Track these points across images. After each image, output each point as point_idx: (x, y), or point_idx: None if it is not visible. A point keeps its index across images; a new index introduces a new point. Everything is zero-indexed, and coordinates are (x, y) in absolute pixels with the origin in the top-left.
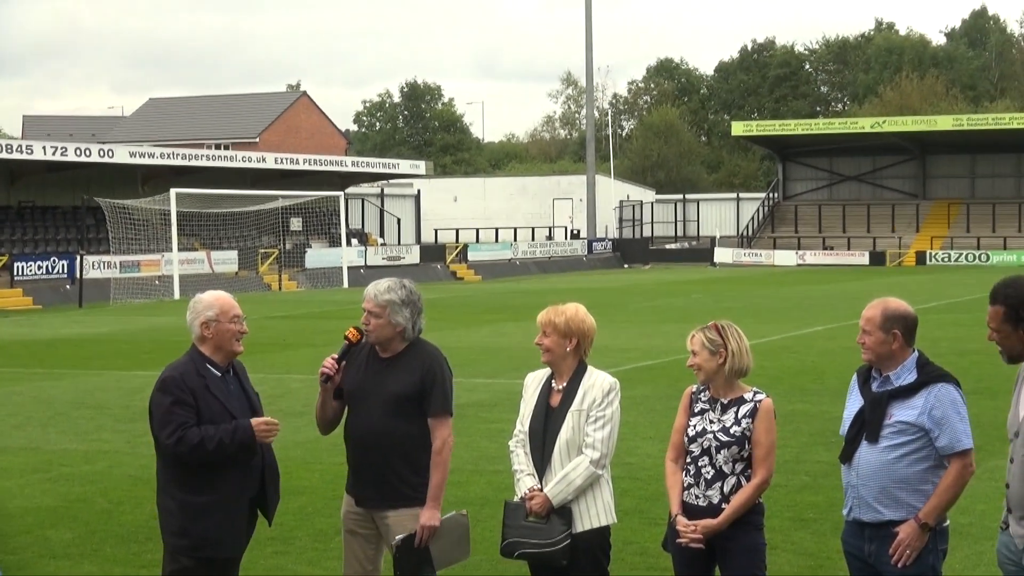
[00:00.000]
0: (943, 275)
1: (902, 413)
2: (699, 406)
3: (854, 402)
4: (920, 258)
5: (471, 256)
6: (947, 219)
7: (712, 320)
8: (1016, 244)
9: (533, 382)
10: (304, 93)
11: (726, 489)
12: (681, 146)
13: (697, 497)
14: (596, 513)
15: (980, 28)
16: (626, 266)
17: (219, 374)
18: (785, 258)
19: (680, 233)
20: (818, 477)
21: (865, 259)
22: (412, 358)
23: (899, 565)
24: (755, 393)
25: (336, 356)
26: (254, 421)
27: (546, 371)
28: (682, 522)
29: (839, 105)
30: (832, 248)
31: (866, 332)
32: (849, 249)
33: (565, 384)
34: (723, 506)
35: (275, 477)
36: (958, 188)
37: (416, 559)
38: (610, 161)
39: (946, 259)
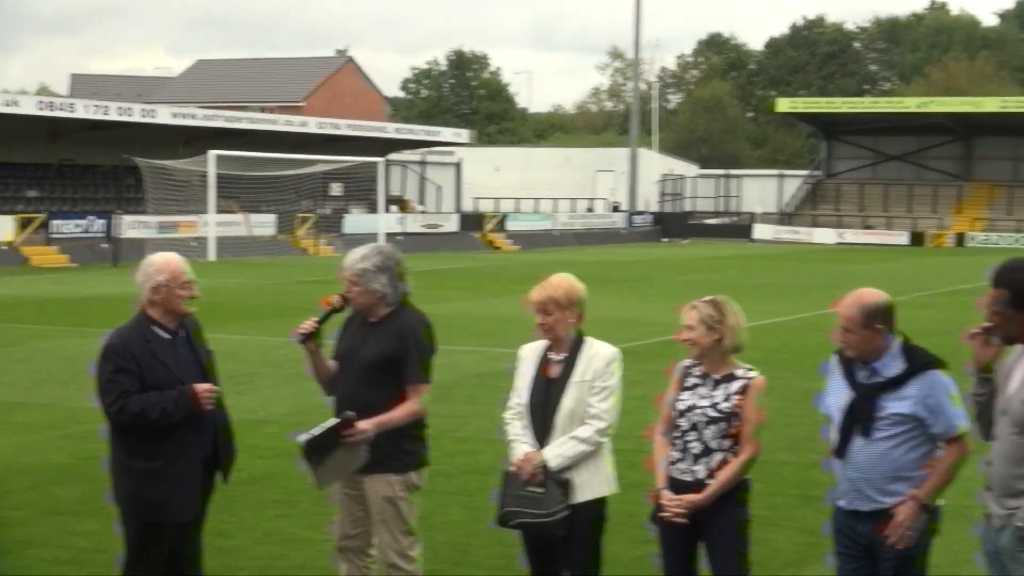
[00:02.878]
0: (982, 257)
1: (896, 405)
2: (691, 381)
3: (837, 388)
4: (959, 239)
5: (510, 226)
6: (989, 201)
7: (710, 295)
8: None
9: (529, 354)
10: (350, 59)
11: (713, 465)
12: (727, 122)
13: (684, 472)
14: (596, 484)
15: None
16: (665, 240)
17: (167, 336)
18: (824, 236)
19: (722, 208)
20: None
21: (905, 239)
22: (391, 325)
23: (897, 545)
24: (747, 370)
25: (317, 319)
26: (196, 387)
27: (542, 342)
28: (666, 496)
29: (887, 84)
30: (872, 227)
31: (848, 331)
32: (889, 229)
33: (565, 355)
34: (709, 482)
35: (229, 438)
36: (1001, 171)
37: (317, 455)
38: (655, 134)
39: (986, 241)
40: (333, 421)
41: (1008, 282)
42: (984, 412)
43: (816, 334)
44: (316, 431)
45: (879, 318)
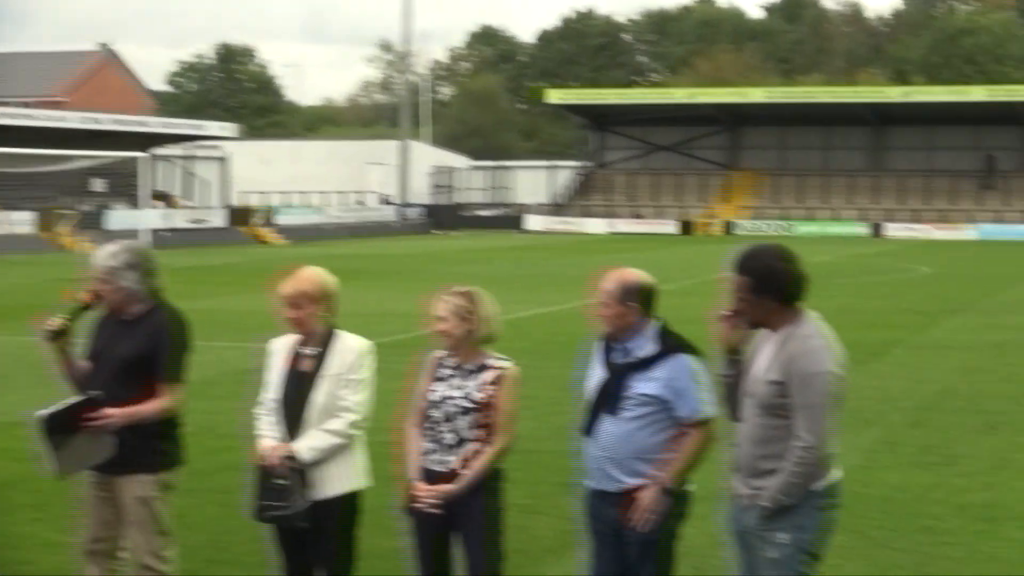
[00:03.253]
0: (748, 244)
1: (643, 386)
2: (444, 372)
3: (595, 372)
4: (728, 227)
5: (279, 220)
6: (755, 189)
7: (462, 286)
8: (820, 215)
9: (280, 348)
10: (112, 52)
11: (466, 455)
12: (498, 114)
13: (437, 463)
14: (348, 477)
15: (797, 2)
16: (436, 232)
17: None
18: (596, 226)
19: (493, 200)
20: None
21: (674, 228)
22: (146, 322)
23: (639, 528)
24: (500, 360)
25: (65, 316)
26: None
27: (293, 336)
28: (420, 487)
29: (656, 76)
30: (642, 216)
31: (604, 305)
32: (659, 218)
33: (316, 349)
34: (462, 472)
35: None
36: (768, 159)
37: (57, 436)
38: (425, 127)
39: (753, 228)
40: (75, 399)
41: (749, 269)
42: (731, 394)
43: (584, 324)
44: (56, 407)
45: (635, 296)
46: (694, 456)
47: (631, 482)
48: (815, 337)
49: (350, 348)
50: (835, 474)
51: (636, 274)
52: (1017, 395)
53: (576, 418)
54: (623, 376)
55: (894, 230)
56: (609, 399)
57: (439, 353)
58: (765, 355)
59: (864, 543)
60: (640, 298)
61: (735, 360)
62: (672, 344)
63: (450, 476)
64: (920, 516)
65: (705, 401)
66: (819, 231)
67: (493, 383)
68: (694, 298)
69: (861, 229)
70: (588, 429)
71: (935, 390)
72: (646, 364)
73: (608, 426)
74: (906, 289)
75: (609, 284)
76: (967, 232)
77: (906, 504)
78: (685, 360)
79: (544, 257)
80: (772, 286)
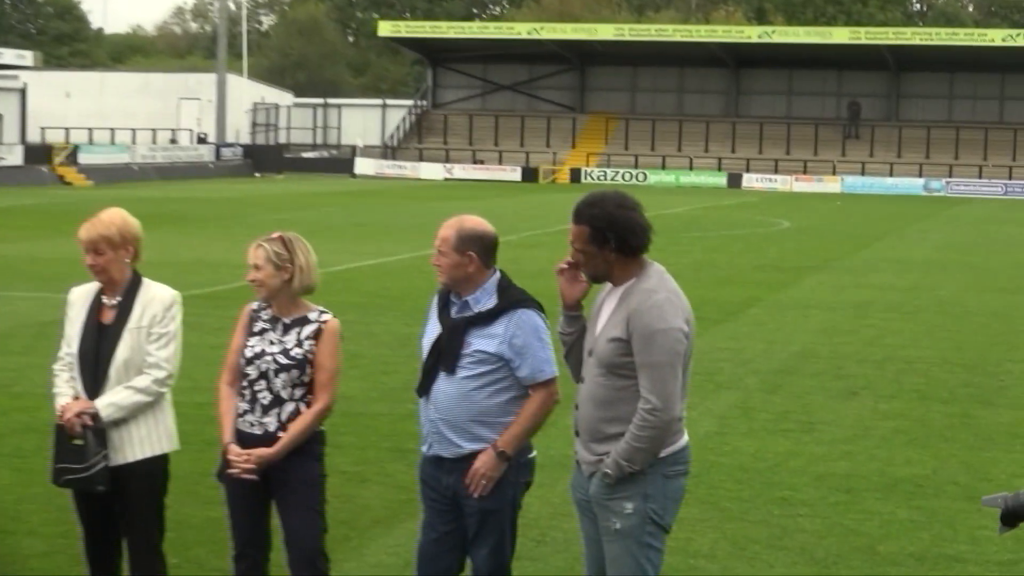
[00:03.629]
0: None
1: (481, 342)
2: (259, 325)
3: (432, 327)
4: (575, 175)
5: (82, 159)
6: (605, 135)
7: (278, 232)
8: (675, 164)
9: (79, 298)
10: None
11: (284, 416)
12: (325, 46)
13: (252, 424)
14: (155, 439)
15: None
16: (257, 175)
17: None
18: (432, 171)
19: (320, 141)
20: None
21: (517, 175)
22: None
23: (476, 495)
24: (320, 313)
25: None
26: None
27: (94, 285)
28: (234, 451)
29: (497, 9)
30: (482, 162)
31: (441, 253)
32: (501, 163)
33: (119, 299)
34: (280, 434)
35: None
36: (618, 102)
37: None
38: (245, 59)
39: (602, 177)
40: None
41: (588, 218)
42: (572, 353)
43: (419, 277)
44: None
45: (474, 245)
46: (536, 419)
47: (469, 447)
48: (660, 291)
49: (156, 299)
50: (684, 439)
51: (476, 221)
52: (880, 359)
53: (410, 378)
54: (460, 331)
55: (753, 181)
56: (445, 356)
57: (254, 305)
58: (607, 311)
59: (717, 514)
60: (479, 247)
61: (575, 316)
62: (513, 298)
63: (267, 439)
64: (776, 486)
65: (548, 360)
66: (673, 181)
67: (312, 338)
68: (537, 250)
69: (718, 179)
70: (423, 390)
71: (794, 352)
72: (485, 319)
73: (444, 386)
74: (765, 244)
75: (446, 231)
76: (830, 185)
77: (761, 473)
78: (527, 315)
79: (376, 204)
80: (613, 236)
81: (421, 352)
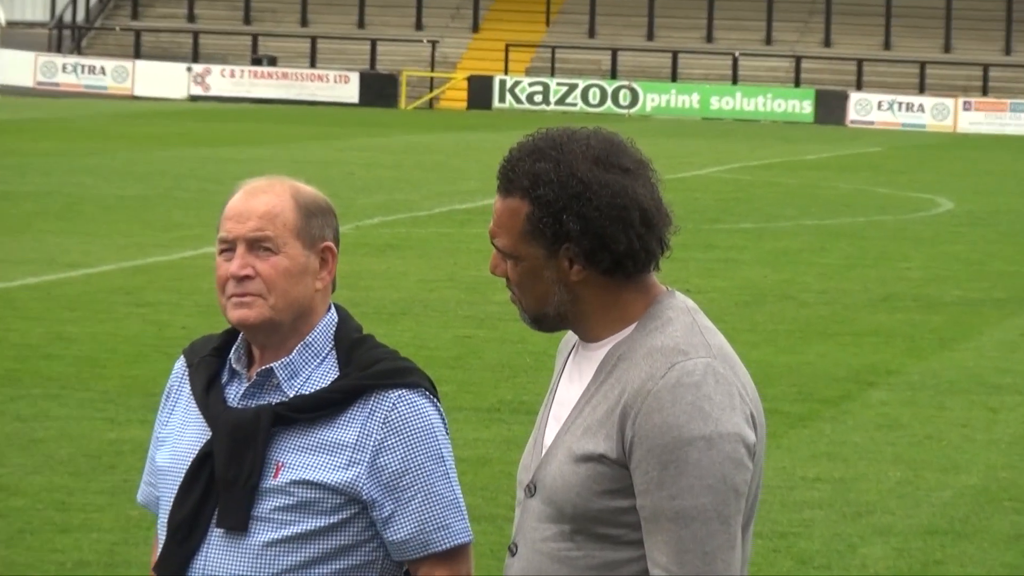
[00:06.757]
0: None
1: (307, 462)
2: None
3: (184, 428)
4: (479, 93)
5: None
6: (546, 8)
7: None
8: (697, 69)
9: None
10: None
11: None
12: None
13: None
14: None
15: None
16: None
17: None
18: (162, 80)
19: None
20: None
21: (352, 90)
22: None
23: None
24: None
25: None
26: None
27: None
28: None
29: None
30: (273, 61)
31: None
32: (314, 65)
33: None
34: None
35: None
36: None
37: None
38: None
39: (540, 97)
40: None
41: (527, 186)
42: None
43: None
44: None
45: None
46: None
47: None
48: (692, 355)
49: None
50: None
51: (311, 193)
52: None
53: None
54: (261, 438)
55: (871, 108)
56: (228, 495)
57: None
58: (571, 394)
59: None
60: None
61: None
62: (374, 366)
63: None
64: None
65: (454, 506)
66: (694, 107)
67: None
68: (401, 257)
69: (793, 103)
70: (168, 568)
71: (972, 489)
72: (314, 409)
73: (221, 559)
74: (899, 250)
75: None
76: None
77: None
78: (408, 403)
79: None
80: (578, 228)
81: (154, 485)
